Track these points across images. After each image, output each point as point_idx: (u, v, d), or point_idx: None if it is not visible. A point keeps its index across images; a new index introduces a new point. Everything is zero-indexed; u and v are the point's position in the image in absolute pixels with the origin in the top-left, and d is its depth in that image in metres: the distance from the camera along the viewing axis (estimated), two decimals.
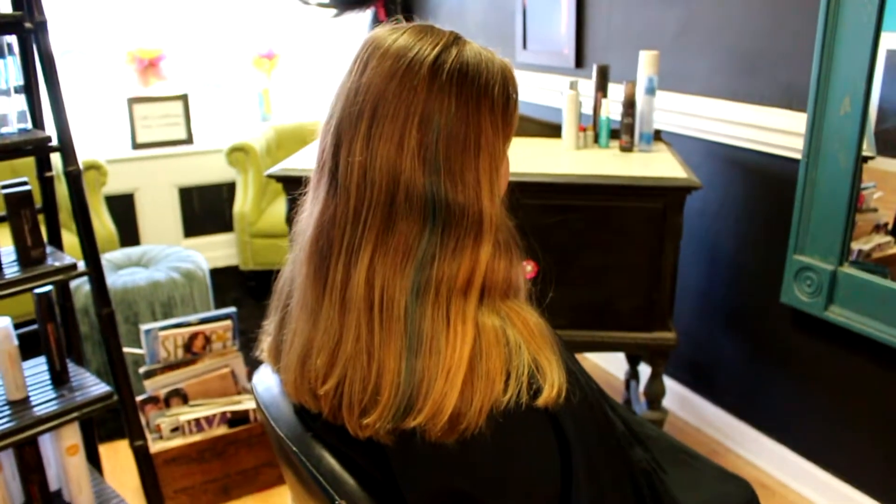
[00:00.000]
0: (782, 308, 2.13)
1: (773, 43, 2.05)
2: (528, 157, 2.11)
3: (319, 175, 0.80)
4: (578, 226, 1.93)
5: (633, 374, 2.59)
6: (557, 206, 1.92)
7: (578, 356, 2.36)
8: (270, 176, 1.96)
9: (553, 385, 0.73)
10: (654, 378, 2.08)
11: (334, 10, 3.78)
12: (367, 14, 3.84)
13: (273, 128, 3.82)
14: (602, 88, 2.25)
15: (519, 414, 0.71)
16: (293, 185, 1.98)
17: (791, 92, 2.00)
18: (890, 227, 1.90)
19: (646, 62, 2.13)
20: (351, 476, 0.76)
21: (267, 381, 0.93)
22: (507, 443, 0.72)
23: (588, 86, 2.40)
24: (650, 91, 2.14)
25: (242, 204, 3.49)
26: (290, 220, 2.01)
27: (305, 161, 2.05)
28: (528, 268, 1.84)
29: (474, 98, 0.75)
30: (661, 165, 2.01)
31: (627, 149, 2.18)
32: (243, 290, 3.63)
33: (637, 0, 2.49)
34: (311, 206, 0.81)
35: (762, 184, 2.17)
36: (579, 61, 2.83)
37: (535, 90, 3.06)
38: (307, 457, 0.78)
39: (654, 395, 2.09)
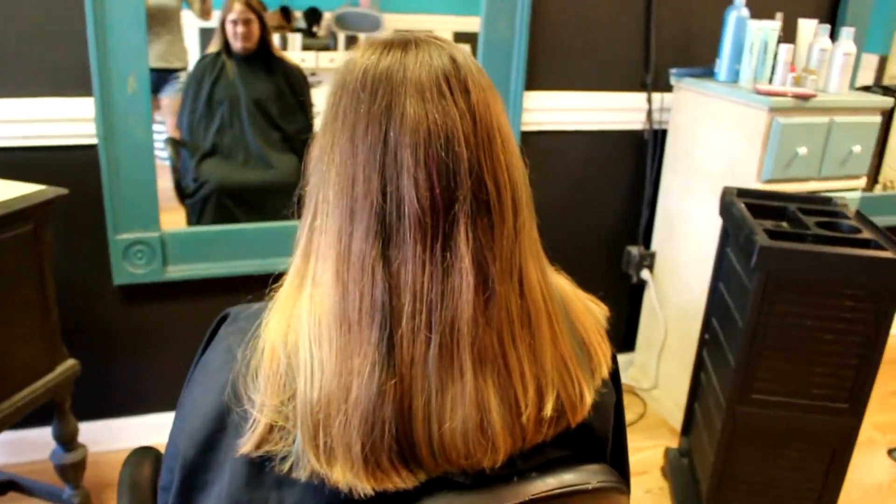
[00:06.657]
0: (115, 291, 2.12)
1: (35, 25, 1.87)
2: None
3: (444, 219, 0.68)
4: None
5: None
6: None
7: None
8: None
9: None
10: (64, 417, 1.83)
11: None
12: None
13: None
14: None
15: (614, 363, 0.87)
16: None
17: (64, 78, 1.91)
18: None
19: None
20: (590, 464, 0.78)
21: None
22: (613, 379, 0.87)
23: None
24: None
25: None
26: None
27: None
28: None
29: (494, 96, 0.74)
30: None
31: None
32: None
33: None
34: (419, 262, 0.68)
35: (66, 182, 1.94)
36: None
37: None
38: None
39: (70, 434, 1.85)
